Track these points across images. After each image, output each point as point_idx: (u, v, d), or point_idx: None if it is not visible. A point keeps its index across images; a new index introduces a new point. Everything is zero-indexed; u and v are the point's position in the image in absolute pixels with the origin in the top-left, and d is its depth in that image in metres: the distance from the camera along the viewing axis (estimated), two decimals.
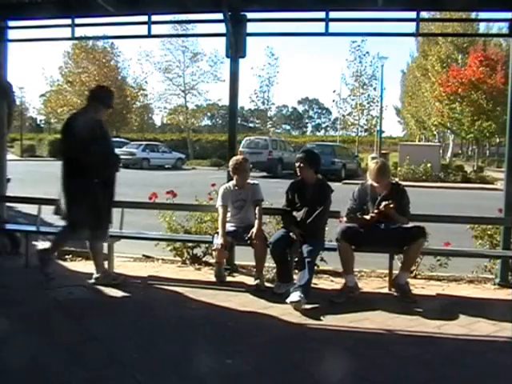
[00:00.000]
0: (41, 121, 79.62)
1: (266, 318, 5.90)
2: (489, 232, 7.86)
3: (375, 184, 6.90)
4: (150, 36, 8.39)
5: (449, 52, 45.30)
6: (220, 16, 7.94)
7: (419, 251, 6.92)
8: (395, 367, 4.68)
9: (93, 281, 7.02)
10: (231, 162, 7.28)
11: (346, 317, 5.98)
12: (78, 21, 8.50)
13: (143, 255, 8.68)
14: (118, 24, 8.68)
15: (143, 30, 8.29)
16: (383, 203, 6.58)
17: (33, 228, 8.19)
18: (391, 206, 6.55)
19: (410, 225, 6.77)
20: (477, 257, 7.73)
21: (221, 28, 8.04)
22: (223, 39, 8.03)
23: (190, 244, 8.22)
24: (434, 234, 7.47)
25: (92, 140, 6.48)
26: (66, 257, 8.52)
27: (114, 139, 44.88)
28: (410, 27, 8.16)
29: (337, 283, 7.32)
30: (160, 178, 28.18)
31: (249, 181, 7.38)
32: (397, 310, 6.23)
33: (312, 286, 7.05)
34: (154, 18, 8.27)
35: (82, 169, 6.50)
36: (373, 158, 7.17)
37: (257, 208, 7.15)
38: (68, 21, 8.49)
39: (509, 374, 4.62)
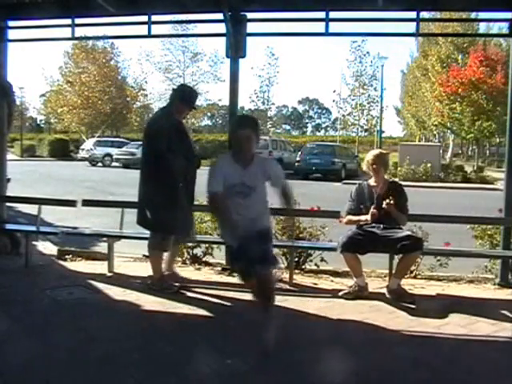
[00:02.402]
0: (41, 121, 79.73)
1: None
2: (489, 232, 7.87)
3: (372, 183, 6.92)
4: (150, 36, 8.40)
5: (449, 52, 45.28)
6: (220, 16, 7.94)
7: (414, 262, 7.02)
8: (395, 367, 4.68)
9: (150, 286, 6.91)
10: None
11: (345, 317, 5.98)
12: (78, 21, 8.51)
13: (143, 255, 8.66)
14: (118, 24, 8.68)
15: (143, 30, 8.31)
16: (385, 202, 6.58)
17: (33, 228, 8.19)
18: (391, 202, 6.56)
19: (408, 233, 6.78)
20: (477, 257, 7.73)
21: (221, 28, 8.06)
22: (223, 39, 8.04)
23: (189, 244, 8.21)
24: (434, 234, 7.49)
25: (176, 142, 6.43)
26: (66, 257, 8.53)
27: (114, 139, 45.07)
28: (410, 27, 8.19)
29: (337, 283, 7.33)
30: None
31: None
32: (397, 309, 6.24)
33: (312, 285, 7.08)
34: (154, 17, 8.28)
35: (166, 172, 6.41)
36: None
37: None
38: (68, 21, 8.49)
39: (508, 374, 4.63)
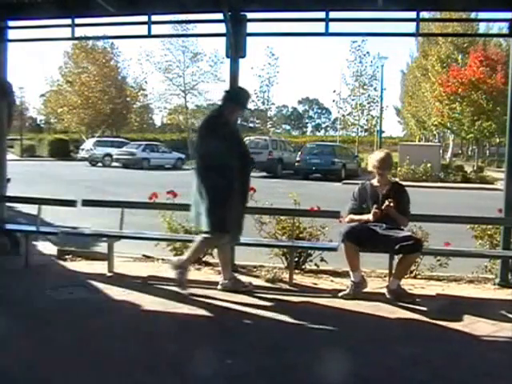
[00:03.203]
0: (41, 121, 79.64)
1: (266, 318, 5.90)
2: (489, 232, 7.85)
3: (376, 183, 6.93)
4: (150, 36, 8.39)
5: (449, 52, 45.30)
6: (220, 16, 7.94)
7: (412, 263, 7.05)
8: (395, 367, 4.68)
9: (220, 287, 6.88)
10: None
11: (345, 317, 6.00)
12: (77, 21, 8.49)
13: (143, 255, 8.68)
14: (118, 24, 8.68)
15: (143, 30, 8.30)
16: (384, 204, 6.59)
17: (33, 228, 8.19)
18: (391, 204, 6.56)
19: (408, 233, 6.81)
20: (477, 257, 7.73)
21: (221, 28, 8.05)
22: (223, 39, 8.03)
23: (190, 244, 8.20)
24: (433, 234, 7.49)
25: (229, 142, 6.40)
26: (66, 257, 8.53)
27: (114, 139, 45.09)
28: (410, 27, 8.18)
29: (337, 283, 7.34)
30: (160, 177, 28.15)
31: None
32: (397, 309, 6.24)
33: (312, 285, 7.08)
34: (154, 18, 8.27)
35: (221, 173, 6.36)
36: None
37: None
38: (68, 21, 8.48)
39: (509, 374, 4.63)
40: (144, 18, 8.23)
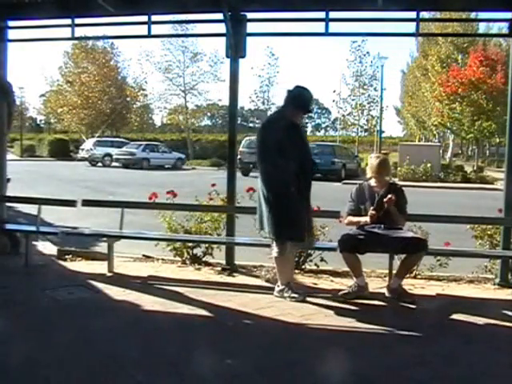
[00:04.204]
0: (41, 121, 79.78)
1: (266, 318, 5.90)
2: (489, 232, 7.85)
3: (373, 183, 6.94)
4: (149, 36, 8.39)
5: (449, 52, 45.25)
6: (220, 16, 7.94)
7: (417, 262, 7.04)
8: (396, 367, 4.68)
9: (276, 294, 6.67)
10: None
11: (346, 317, 5.98)
12: (77, 21, 8.50)
13: (143, 255, 8.68)
14: (118, 24, 8.68)
15: (143, 30, 8.31)
16: (385, 198, 6.59)
17: (33, 228, 8.19)
18: (392, 198, 6.56)
19: (412, 234, 6.83)
20: (477, 257, 7.73)
21: (221, 28, 8.05)
22: (223, 39, 8.03)
23: (190, 244, 8.22)
24: (434, 234, 7.49)
25: (288, 145, 6.24)
26: (66, 257, 8.53)
27: (114, 139, 45.12)
28: (410, 27, 8.17)
29: (337, 283, 7.34)
30: (160, 177, 28.19)
31: None
32: (396, 309, 6.25)
33: (312, 285, 7.08)
34: (154, 18, 8.27)
35: (279, 177, 6.32)
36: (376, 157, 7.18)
37: None
38: (68, 21, 8.49)
39: (508, 374, 4.63)
40: (144, 18, 8.24)
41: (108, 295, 6.66)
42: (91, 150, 41.70)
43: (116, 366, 4.59)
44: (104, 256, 7.88)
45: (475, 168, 37.19)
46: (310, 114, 6.32)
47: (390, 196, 6.59)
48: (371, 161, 7.07)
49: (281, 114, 6.73)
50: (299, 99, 6.54)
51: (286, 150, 6.23)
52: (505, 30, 8.10)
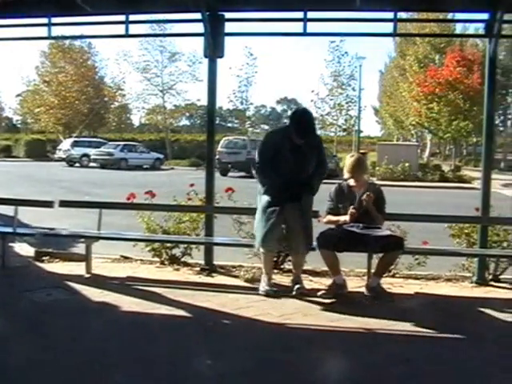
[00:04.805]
0: (17, 121, 78.85)
1: (245, 318, 5.91)
2: (466, 231, 7.91)
3: (352, 183, 6.97)
4: (127, 36, 8.34)
5: (426, 52, 45.56)
6: (198, 16, 7.92)
7: (394, 261, 7.08)
8: (377, 366, 4.71)
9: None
10: None
11: (325, 316, 6.02)
12: (54, 20, 8.43)
13: (121, 256, 8.64)
14: (96, 23, 8.61)
15: (121, 29, 8.26)
16: (365, 195, 6.63)
17: (9, 229, 8.11)
18: (371, 195, 6.60)
19: (389, 232, 6.89)
20: (454, 255, 7.79)
21: (199, 28, 8.03)
22: (201, 39, 8.02)
23: (168, 244, 8.19)
24: (412, 233, 7.54)
25: (281, 157, 6.58)
26: (44, 258, 8.46)
27: (92, 139, 44.84)
28: (388, 27, 8.20)
29: (316, 282, 7.36)
30: (138, 178, 28.07)
31: None
32: (376, 309, 6.28)
33: (290, 285, 7.07)
34: (132, 17, 8.23)
35: (265, 184, 6.75)
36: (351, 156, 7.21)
37: None
38: (45, 20, 8.41)
39: (487, 370, 4.68)
40: (122, 18, 8.19)
41: (86, 296, 6.62)
42: (69, 150, 41.42)
43: (94, 367, 4.56)
44: (82, 257, 7.84)
45: (453, 167, 37.51)
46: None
47: (367, 193, 6.64)
48: (347, 160, 7.10)
49: (283, 130, 6.99)
50: (297, 125, 6.61)
51: (277, 160, 6.57)
52: (481, 31, 8.17)
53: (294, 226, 6.69)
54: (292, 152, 6.58)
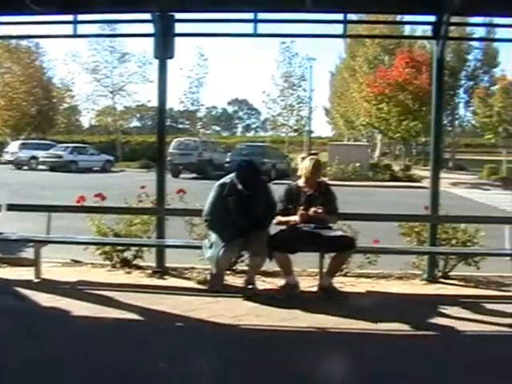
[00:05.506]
0: None
1: (198, 320, 5.90)
2: (416, 229, 8.04)
3: (301, 183, 7.00)
4: (76, 36, 8.23)
5: (376, 53, 46.24)
6: (148, 16, 7.87)
7: (346, 260, 7.16)
8: (329, 366, 4.74)
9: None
10: None
11: (278, 316, 6.04)
12: (1, 19, 8.26)
13: (72, 260, 8.51)
14: (44, 23, 8.48)
15: (69, 29, 8.13)
16: (312, 209, 6.64)
17: None
18: (319, 211, 6.64)
19: (341, 232, 6.95)
20: (404, 254, 7.95)
21: (149, 28, 7.98)
22: (152, 40, 7.96)
23: (119, 247, 8.12)
24: (363, 232, 7.62)
25: (225, 209, 6.81)
26: None
27: (40, 141, 44.02)
28: (338, 29, 8.28)
29: (268, 283, 7.38)
30: (88, 180, 27.72)
31: None
32: (328, 308, 6.31)
33: (243, 286, 7.09)
34: (81, 17, 8.11)
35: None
36: (303, 158, 7.21)
37: None
38: None
39: (438, 366, 4.78)
40: (70, 18, 8.06)
41: (36, 302, 6.51)
42: (16, 152, 40.57)
43: (48, 373, 4.50)
44: (31, 262, 7.70)
45: (403, 167, 38.20)
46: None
47: (314, 209, 6.64)
48: (305, 163, 7.04)
49: (231, 179, 7.00)
50: (242, 179, 6.78)
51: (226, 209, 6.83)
52: (429, 33, 8.32)
53: (254, 237, 6.73)
54: (241, 199, 6.77)
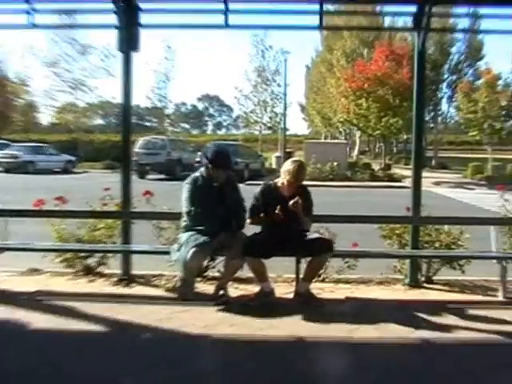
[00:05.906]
0: None
1: (167, 331, 5.88)
2: (397, 231, 8.09)
3: (279, 184, 7.00)
4: (31, 26, 8.13)
5: (354, 46, 46.57)
6: (111, 6, 7.83)
7: (323, 264, 7.21)
8: (307, 374, 4.77)
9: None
10: None
11: (253, 325, 6.04)
12: None
13: (30, 268, 8.43)
14: None
15: (24, 19, 8.02)
16: (291, 201, 6.65)
17: None
18: (299, 201, 6.63)
19: (317, 235, 6.99)
20: (385, 257, 7.97)
21: (112, 19, 7.92)
22: (115, 31, 7.92)
23: (82, 254, 8.05)
24: (341, 235, 7.67)
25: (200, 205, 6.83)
26: None
27: None
28: (314, 20, 8.29)
29: (241, 290, 7.38)
30: (48, 182, 27.44)
31: None
32: (305, 315, 6.34)
33: (214, 293, 7.09)
34: (37, 6, 8.01)
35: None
36: (278, 158, 7.24)
37: None
38: None
39: (421, 372, 4.86)
40: (24, 6, 7.95)
41: None
42: None
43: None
44: None
45: (383, 166, 38.50)
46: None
47: (296, 199, 6.66)
48: (287, 166, 7.01)
49: (200, 173, 7.15)
50: (209, 156, 7.03)
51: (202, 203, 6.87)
52: (410, 24, 8.38)
53: (230, 237, 6.76)
54: (215, 191, 6.89)
